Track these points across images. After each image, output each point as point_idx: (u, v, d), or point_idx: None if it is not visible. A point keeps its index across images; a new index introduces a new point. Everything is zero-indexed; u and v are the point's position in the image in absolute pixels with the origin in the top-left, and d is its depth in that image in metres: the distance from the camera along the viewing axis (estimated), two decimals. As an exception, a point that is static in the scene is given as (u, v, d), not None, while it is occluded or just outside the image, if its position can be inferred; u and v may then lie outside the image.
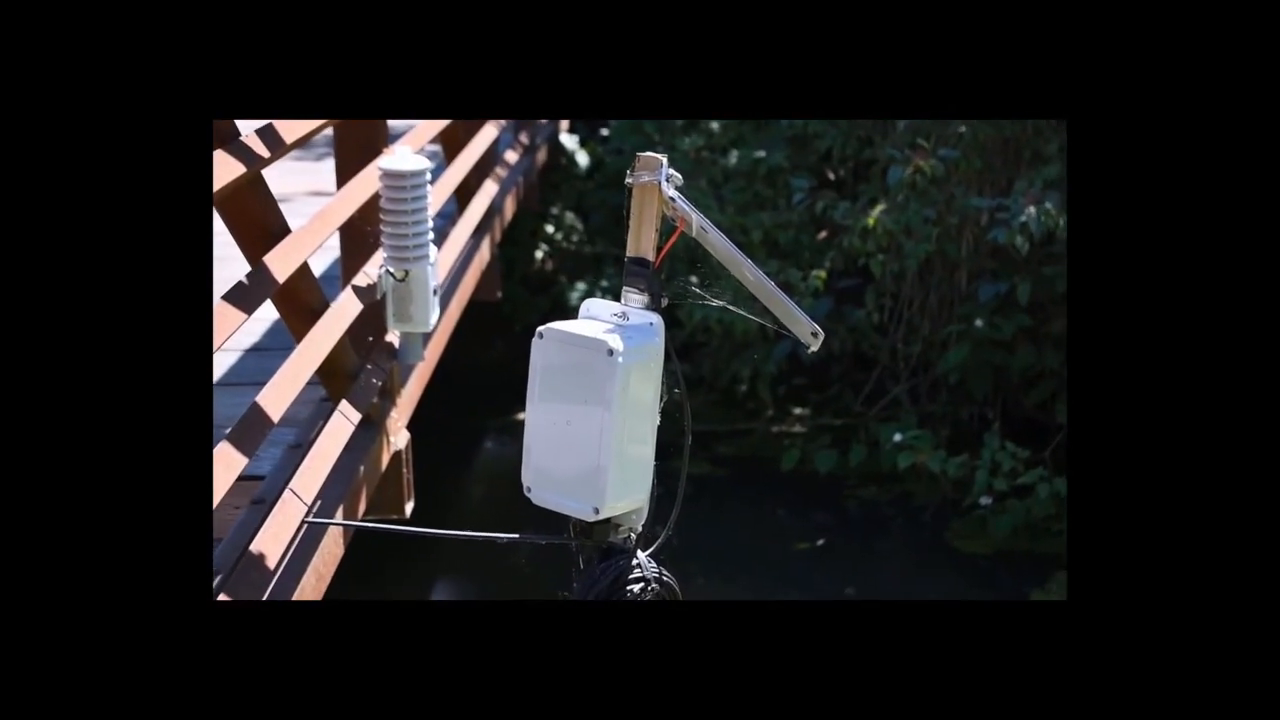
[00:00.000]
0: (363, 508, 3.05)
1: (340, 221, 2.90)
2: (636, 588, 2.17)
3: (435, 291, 3.08)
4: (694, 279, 2.24)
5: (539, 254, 7.38)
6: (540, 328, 2.19)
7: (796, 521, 5.91)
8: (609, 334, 2.14)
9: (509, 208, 6.00)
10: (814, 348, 2.22)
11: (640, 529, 2.22)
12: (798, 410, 6.71)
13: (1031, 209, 5.41)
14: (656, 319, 2.18)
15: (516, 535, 2.28)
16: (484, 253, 5.18)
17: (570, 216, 7.44)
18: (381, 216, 2.99)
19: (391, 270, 3.00)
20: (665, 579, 2.21)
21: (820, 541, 5.64)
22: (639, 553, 2.21)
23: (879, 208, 5.96)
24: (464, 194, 5.02)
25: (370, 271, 3.02)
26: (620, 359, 2.11)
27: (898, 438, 5.78)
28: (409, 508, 3.39)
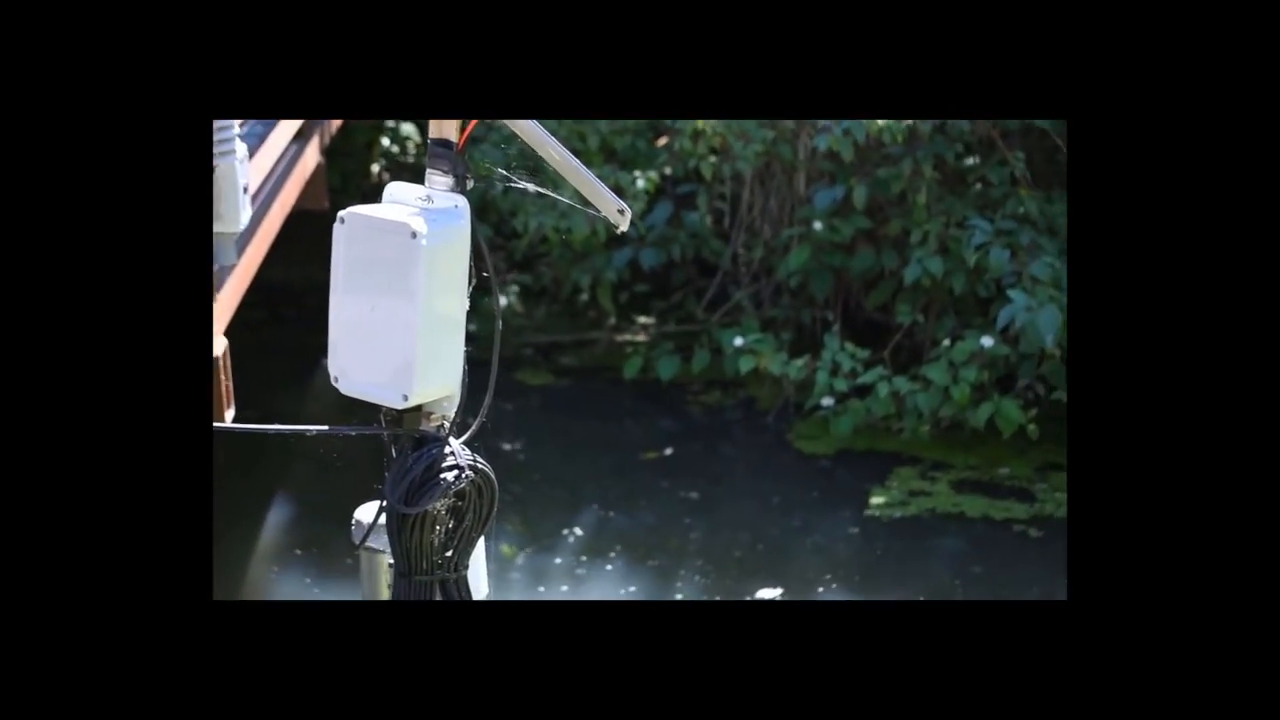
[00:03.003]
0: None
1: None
2: (450, 475, 2.12)
3: (246, 190, 2.98)
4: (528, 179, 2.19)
5: (375, 167, 7.24)
6: (341, 213, 2.13)
7: (642, 430, 5.91)
8: (412, 217, 2.08)
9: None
10: (622, 227, 2.19)
11: (453, 416, 2.17)
12: (641, 319, 6.69)
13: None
14: (462, 201, 2.12)
15: (326, 428, 2.22)
16: (308, 159, 5.05)
17: (407, 128, 7.31)
18: (185, 111, 2.86)
19: (198, 168, 2.88)
20: (480, 466, 2.17)
21: (668, 451, 5.65)
22: (452, 440, 2.16)
23: (714, 111, 5.93)
24: (286, 100, 4.86)
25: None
26: (424, 241, 2.05)
27: (739, 342, 5.79)
28: (229, 416, 3.29)
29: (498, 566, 4.70)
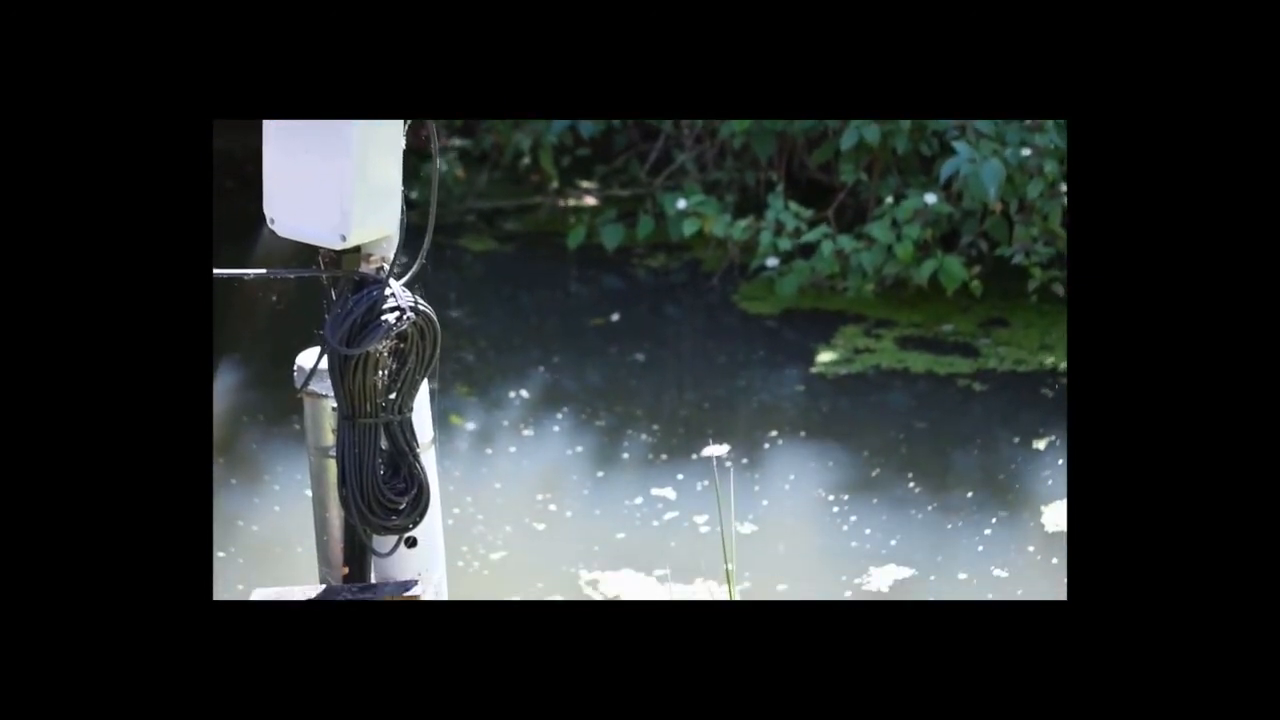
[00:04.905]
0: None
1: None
2: (391, 317, 2.10)
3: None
4: None
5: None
6: (273, 50, 2.08)
7: (588, 295, 5.90)
8: (346, 52, 2.04)
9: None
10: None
11: (393, 258, 2.14)
12: (584, 184, 6.64)
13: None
14: (396, 37, 2.08)
15: (264, 270, 2.19)
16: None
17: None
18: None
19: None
20: (421, 308, 2.15)
21: (614, 316, 5.65)
22: (392, 282, 2.13)
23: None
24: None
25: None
26: (358, 77, 2.02)
27: (682, 204, 5.77)
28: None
29: (447, 435, 4.71)
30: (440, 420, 4.16)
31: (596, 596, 3.94)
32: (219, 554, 4.09)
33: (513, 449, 4.72)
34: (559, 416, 4.90)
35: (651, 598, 3.91)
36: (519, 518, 4.30)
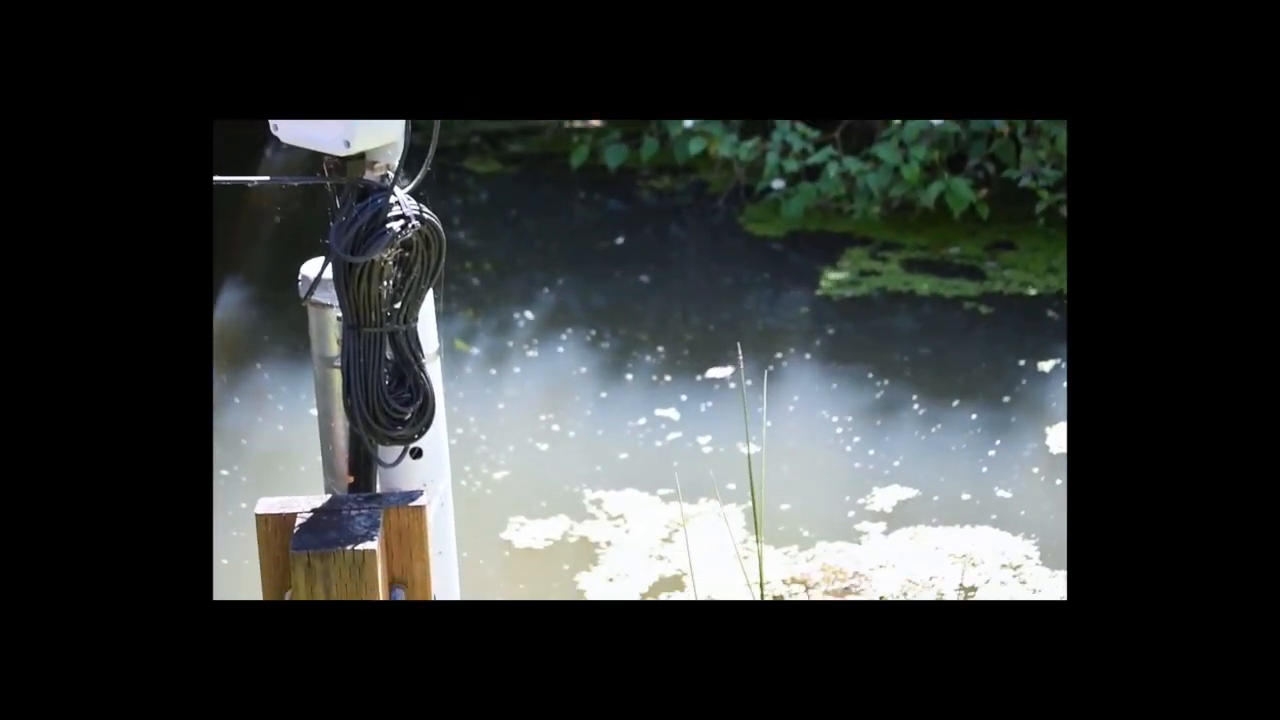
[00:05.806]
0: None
1: None
2: (396, 225, 2.08)
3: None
4: None
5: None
6: (275, -48, 2.05)
7: (593, 217, 5.87)
8: (350, -46, 2.01)
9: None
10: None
11: (397, 165, 2.12)
12: (589, 106, 6.60)
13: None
14: (401, -61, 2.05)
15: (268, 178, 2.17)
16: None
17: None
18: None
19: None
20: (426, 217, 2.13)
21: (619, 239, 5.63)
22: (397, 190, 2.11)
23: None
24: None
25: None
26: (362, -21, 1.99)
27: (688, 124, 5.73)
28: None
29: (452, 357, 4.70)
30: (444, 343, 4.16)
31: (601, 516, 3.94)
32: (222, 472, 4.10)
33: (517, 370, 4.71)
34: (563, 338, 4.89)
35: (655, 517, 3.92)
36: (522, 438, 4.30)
